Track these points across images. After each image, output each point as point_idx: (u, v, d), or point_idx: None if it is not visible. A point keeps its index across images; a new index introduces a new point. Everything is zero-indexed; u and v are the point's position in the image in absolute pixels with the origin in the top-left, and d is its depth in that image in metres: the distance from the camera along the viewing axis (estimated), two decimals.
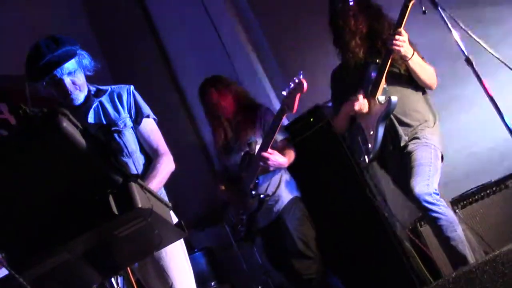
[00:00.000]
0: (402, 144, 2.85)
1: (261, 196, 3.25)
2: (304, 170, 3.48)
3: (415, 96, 2.92)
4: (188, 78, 5.23)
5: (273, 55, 4.74)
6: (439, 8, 2.24)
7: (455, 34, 2.25)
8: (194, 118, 5.14)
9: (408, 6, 2.60)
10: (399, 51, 2.71)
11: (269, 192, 3.31)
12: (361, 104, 2.90)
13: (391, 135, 2.90)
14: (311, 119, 3.88)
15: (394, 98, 2.80)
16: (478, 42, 2.19)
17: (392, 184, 3.06)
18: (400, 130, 2.87)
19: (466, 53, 2.21)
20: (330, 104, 3.44)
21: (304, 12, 4.37)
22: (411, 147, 2.83)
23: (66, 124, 1.40)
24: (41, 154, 1.41)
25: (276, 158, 3.20)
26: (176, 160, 2.54)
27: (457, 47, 2.25)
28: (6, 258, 1.56)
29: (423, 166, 2.74)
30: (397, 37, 2.68)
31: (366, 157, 2.91)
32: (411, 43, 2.78)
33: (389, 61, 2.77)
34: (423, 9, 2.29)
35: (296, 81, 3.01)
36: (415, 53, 2.77)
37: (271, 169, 3.26)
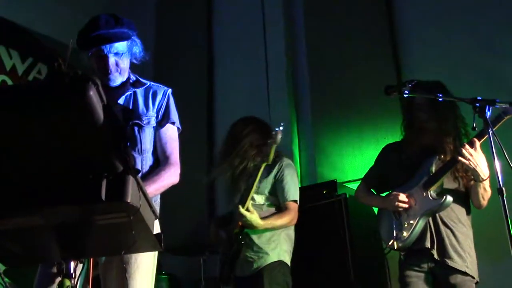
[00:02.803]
0: (437, 256, 2.73)
1: (242, 242, 3.09)
2: (299, 239, 3.30)
3: (460, 207, 2.84)
4: (224, 106, 5.26)
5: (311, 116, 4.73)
6: (489, 130, 2.20)
7: (497, 162, 2.19)
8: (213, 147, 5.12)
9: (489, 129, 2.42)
10: (468, 165, 2.64)
11: (256, 245, 3.11)
12: (404, 205, 2.83)
13: (427, 234, 2.78)
14: (324, 191, 3.82)
15: (450, 198, 2.73)
16: None
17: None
18: (444, 234, 2.75)
19: (501, 184, 2.14)
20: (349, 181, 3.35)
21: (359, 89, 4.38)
22: (452, 280, 2.70)
23: (93, 92, 1.37)
24: (56, 112, 1.37)
25: (250, 218, 3.00)
26: (180, 178, 2.48)
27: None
28: None
29: None
30: (467, 147, 2.63)
31: (395, 242, 2.78)
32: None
33: (455, 165, 2.72)
34: (474, 125, 2.26)
35: (273, 132, 2.98)
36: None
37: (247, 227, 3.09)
